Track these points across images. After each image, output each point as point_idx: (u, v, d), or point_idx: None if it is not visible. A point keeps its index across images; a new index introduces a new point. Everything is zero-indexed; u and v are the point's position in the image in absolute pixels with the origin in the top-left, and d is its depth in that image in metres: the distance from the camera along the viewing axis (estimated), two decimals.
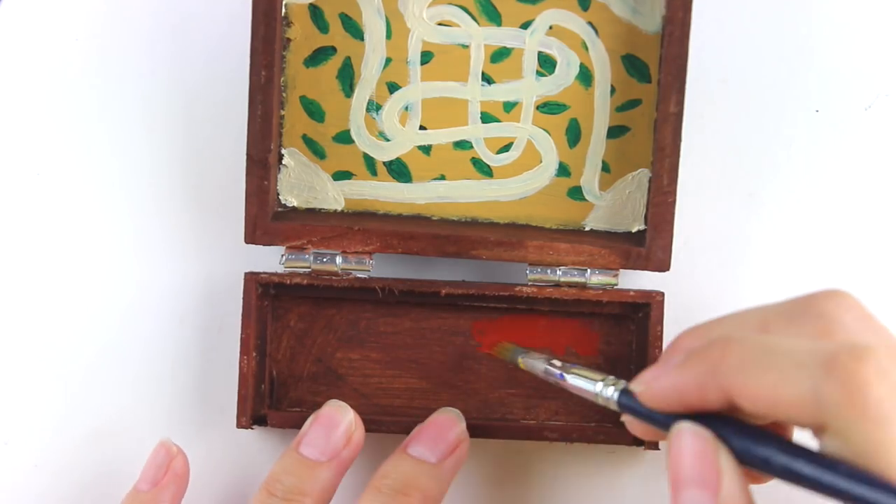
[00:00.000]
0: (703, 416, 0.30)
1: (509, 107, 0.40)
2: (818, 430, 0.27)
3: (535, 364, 0.37)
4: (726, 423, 0.30)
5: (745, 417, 0.29)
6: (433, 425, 0.38)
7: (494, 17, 0.39)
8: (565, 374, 0.35)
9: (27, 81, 0.43)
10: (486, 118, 0.40)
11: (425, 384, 0.41)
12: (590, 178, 0.40)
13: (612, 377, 0.34)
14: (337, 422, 0.37)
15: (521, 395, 0.41)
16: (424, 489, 0.35)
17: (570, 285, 0.39)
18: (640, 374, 0.32)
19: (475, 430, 0.39)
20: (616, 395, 0.33)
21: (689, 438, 0.29)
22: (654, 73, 0.39)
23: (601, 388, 0.34)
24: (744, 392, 0.28)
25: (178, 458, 0.39)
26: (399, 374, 0.41)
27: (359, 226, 0.39)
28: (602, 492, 0.42)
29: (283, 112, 0.40)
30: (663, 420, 0.31)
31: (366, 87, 0.40)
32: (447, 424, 0.38)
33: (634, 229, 0.40)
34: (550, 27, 0.39)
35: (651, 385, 0.31)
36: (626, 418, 0.34)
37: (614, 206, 0.40)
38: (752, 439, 0.29)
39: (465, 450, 0.38)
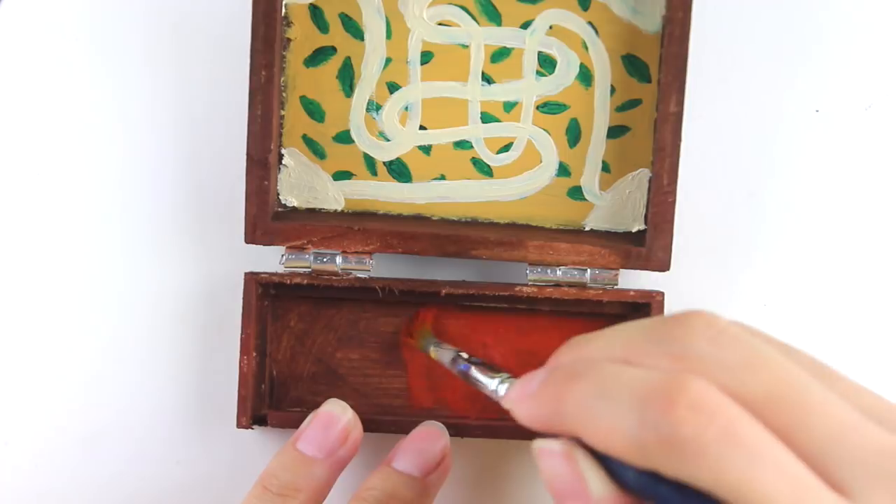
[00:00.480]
0: None
1: (509, 107, 0.40)
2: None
3: (444, 354, 0.37)
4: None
5: None
6: (417, 438, 0.38)
7: (494, 16, 0.39)
8: (470, 368, 0.35)
9: (27, 81, 0.43)
10: (486, 118, 0.40)
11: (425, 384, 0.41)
12: (590, 178, 0.40)
13: (507, 374, 0.34)
14: (335, 420, 0.37)
15: None
16: (409, 503, 0.36)
17: (570, 285, 0.39)
18: (514, 384, 0.31)
19: (476, 430, 0.39)
20: (504, 390, 0.33)
21: (547, 457, 0.29)
22: (654, 73, 0.39)
23: (497, 386, 0.34)
24: (585, 435, 0.27)
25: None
26: (399, 374, 0.41)
27: (359, 226, 0.39)
28: None
29: (283, 112, 0.40)
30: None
31: (366, 87, 0.40)
32: (431, 438, 0.38)
33: (634, 229, 0.40)
34: (550, 27, 0.39)
35: (516, 405, 0.30)
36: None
37: (614, 205, 0.40)
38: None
39: (449, 463, 0.38)
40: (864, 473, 0.24)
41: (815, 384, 0.25)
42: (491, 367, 0.35)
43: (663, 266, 0.39)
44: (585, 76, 0.40)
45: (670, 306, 0.40)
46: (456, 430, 0.39)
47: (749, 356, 0.26)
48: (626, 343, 0.29)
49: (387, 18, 0.39)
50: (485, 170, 0.41)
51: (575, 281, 0.39)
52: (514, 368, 0.41)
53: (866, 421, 0.25)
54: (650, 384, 0.26)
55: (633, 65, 0.39)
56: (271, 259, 0.41)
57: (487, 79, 0.40)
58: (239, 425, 0.39)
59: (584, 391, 0.28)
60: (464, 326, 0.41)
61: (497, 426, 0.40)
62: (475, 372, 0.35)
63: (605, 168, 0.40)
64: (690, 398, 0.25)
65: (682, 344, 0.27)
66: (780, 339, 0.27)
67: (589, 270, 0.39)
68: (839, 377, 0.26)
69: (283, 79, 0.39)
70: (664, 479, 0.26)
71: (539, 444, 0.29)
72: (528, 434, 0.39)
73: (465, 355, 0.36)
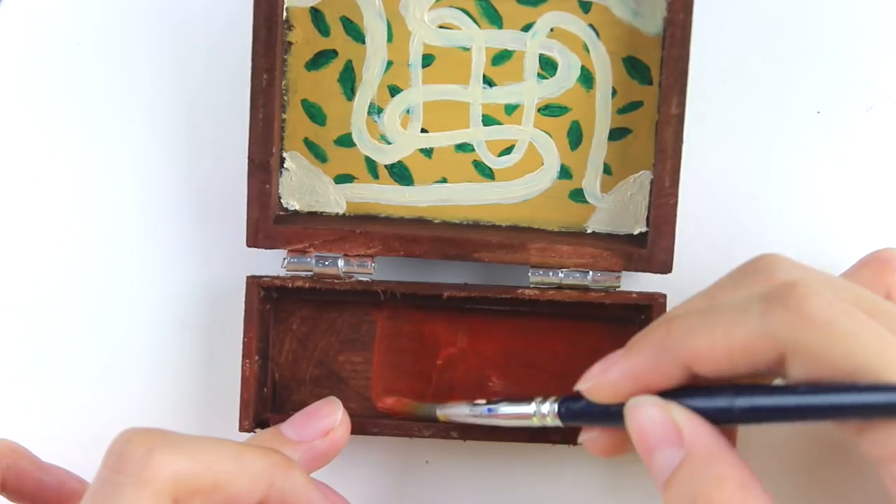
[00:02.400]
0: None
1: (511, 109, 0.40)
2: (777, 364, 0.28)
3: (457, 410, 0.37)
4: (681, 392, 0.30)
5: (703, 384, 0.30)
6: (309, 410, 0.38)
7: (495, 19, 0.39)
8: (498, 406, 0.35)
9: (28, 86, 0.43)
10: (488, 121, 0.40)
11: (427, 387, 0.41)
12: (591, 181, 0.40)
13: (540, 397, 0.34)
14: (322, 414, 0.37)
15: None
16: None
17: (572, 287, 0.39)
18: (592, 368, 0.32)
19: (479, 432, 0.39)
20: (555, 407, 0.33)
21: (641, 409, 0.31)
22: (655, 75, 0.39)
23: (536, 407, 0.33)
24: (697, 353, 0.29)
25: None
26: (401, 377, 0.41)
27: (360, 229, 0.39)
28: (604, 494, 0.42)
29: (284, 115, 0.40)
30: (617, 413, 0.31)
31: (367, 90, 0.40)
32: (321, 411, 0.38)
33: (636, 231, 0.40)
34: (551, 29, 0.39)
35: (599, 379, 0.32)
36: (585, 437, 0.34)
37: (616, 208, 0.40)
38: (708, 395, 0.30)
39: (337, 437, 0.37)
40: None
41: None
42: (512, 399, 0.35)
43: (665, 268, 0.39)
44: (587, 78, 0.40)
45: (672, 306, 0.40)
46: (458, 432, 0.39)
47: (831, 277, 0.30)
48: (707, 297, 0.32)
49: (388, 21, 0.39)
50: (486, 172, 0.41)
51: (577, 283, 0.39)
52: (515, 370, 0.41)
53: None
54: (766, 288, 0.29)
55: (634, 67, 0.39)
56: (273, 263, 0.41)
57: (489, 81, 0.40)
58: (241, 429, 0.39)
59: (689, 319, 0.30)
60: (465, 330, 0.41)
61: (501, 429, 0.40)
62: (506, 408, 0.35)
63: (607, 170, 0.40)
64: (811, 288, 0.28)
65: (770, 271, 0.30)
66: None
67: (591, 273, 0.39)
68: None
69: (284, 82, 0.40)
70: (772, 389, 0.28)
71: (632, 401, 0.31)
72: (529, 436, 0.39)
73: (481, 401, 0.36)
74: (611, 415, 0.32)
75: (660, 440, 0.30)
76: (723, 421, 0.30)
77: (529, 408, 0.34)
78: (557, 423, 0.34)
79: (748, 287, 0.30)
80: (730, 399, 0.29)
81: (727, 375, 0.30)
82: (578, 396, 0.33)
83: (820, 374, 0.27)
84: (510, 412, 0.35)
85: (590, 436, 0.34)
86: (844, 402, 0.27)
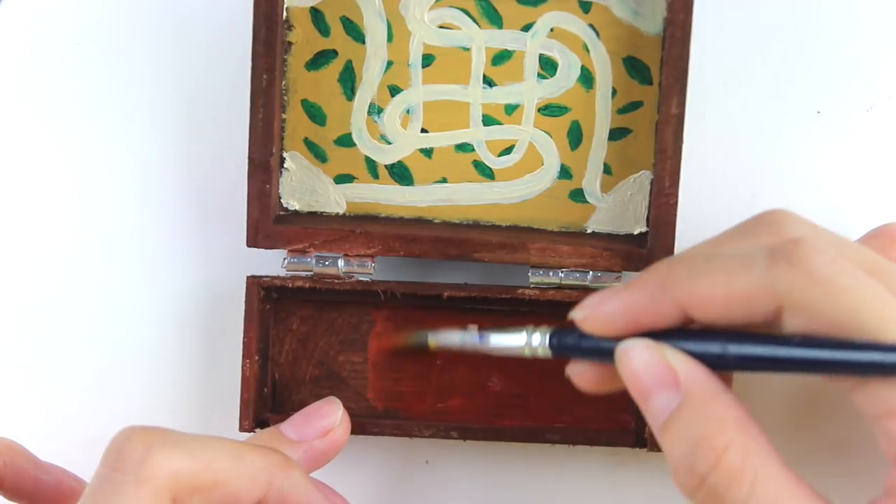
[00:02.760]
0: (650, 335, 0.31)
1: (511, 109, 0.40)
2: (774, 317, 0.28)
3: (449, 337, 0.37)
4: (672, 335, 0.30)
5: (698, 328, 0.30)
6: (309, 410, 0.38)
7: (495, 19, 0.39)
8: (485, 336, 0.35)
9: (28, 85, 0.43)
10: (488, 121, 0.40)
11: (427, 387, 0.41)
12: (591, 181, 0.40)
13: (531, 325, 0.33)
14: (322, 413, 0.38)
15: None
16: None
17: (572, 287, 0.39)
18: (581, 305, 0.32)
19: (478, 433, 0.39)
20: (547, 338, 0.33)
21: (634, 351, 0.30)
22: (655, 75, 0.39)
23: (527, 337, 0.33)
24: (696, 297, 0.29)
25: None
26: (401, 378, 0.41)
27: (361, 229, 0.39)
28: (604, 494, 0.42)
29: (284, 115, 0.40)
30: (608, 348, 0.31)
31: (367, 90, 0.40)
32: (321, 411, 0.38)
33: (636, 231, 0.40)
34: (551, 29, 0.39)
35: (595, 310, 0.31)
36: (572, 369, 0.33)
37: (616, 208, 0.40)
38: (701, 340, 0.30)
39: (336, 437, 0.37)
40: None
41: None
42: (503, 327, 0.34)
43: None
44: (587, 78, 0.40)
45: None
46: (459, 433, 0.39)
47: (837, 236, 0.30)
48: (713, 244, 0.32)
49: (388, 21, 0.39)
50: (486, 172, 0.41)
51: (577, 283, 0.39)
52: (515, 370, 0.41)
53: None
54: (773, 241, 0.29)
55: (634, 67, 0.39)
56: (273, 263, 0.41)
57: (489, 81, 0.40)
58: (241, 429, 0.39)
59: (693, 262, 0.30)
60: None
61: (500, 428, 0.40)
62: (496, 337, 0.34)
63: (607, 170, 0.40)
64: (817, 245, 0.28)
65: (779, 225, 0.30)
66: None
67: (591, 273, 0.39)
68: None
69: (284, 82, 0.40)
70: (766, 338, 0.29)
71: (624, 344, 0.31)
72: (530, 436, 0.39)
73: (472, 326, 0.36)
74: (602, 351, 0.31)
75: (656, 383, 0.30)
76: (714, 367, 0.29)
77: (520, 337, 0.33)
78: (548, 354, 0.33)
79: (755, 238, 0.30)
80: (722, 345, 0.29)
81: (721, 323, 0.29)
82: (571, 328, 0.32)
83: (817, 329, 0.28)
84: (501, 341, 0.34)
85: (579, 369, 0.33)
86: (839, 357, 0.27)
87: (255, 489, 0.32)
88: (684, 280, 0.30)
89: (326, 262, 0.39)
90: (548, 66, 0.40)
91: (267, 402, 0.41)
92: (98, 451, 0.39)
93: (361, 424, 0.39)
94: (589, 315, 0.32)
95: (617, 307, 0.31)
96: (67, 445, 0.42)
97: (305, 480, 0.34)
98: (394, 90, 0.40)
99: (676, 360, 0.30)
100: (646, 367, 0.30)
